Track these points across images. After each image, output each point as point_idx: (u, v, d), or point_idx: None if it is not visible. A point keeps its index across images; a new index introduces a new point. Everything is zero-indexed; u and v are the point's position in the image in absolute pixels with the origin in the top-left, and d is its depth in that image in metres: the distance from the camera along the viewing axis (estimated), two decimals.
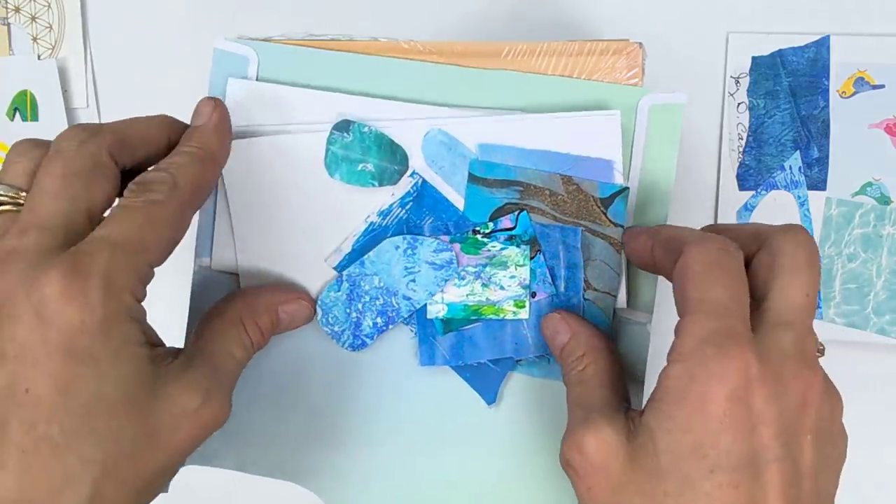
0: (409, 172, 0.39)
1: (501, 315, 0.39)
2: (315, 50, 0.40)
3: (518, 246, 0.38)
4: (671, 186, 0.39)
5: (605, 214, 0.38)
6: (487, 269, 0.39)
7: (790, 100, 0.51)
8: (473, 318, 0.39)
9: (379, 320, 0.39)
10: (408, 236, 0.39)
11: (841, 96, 0.51)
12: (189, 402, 0.31)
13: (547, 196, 0.39)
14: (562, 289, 0.39)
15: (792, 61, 0.51)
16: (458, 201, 0.39)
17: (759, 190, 0.52)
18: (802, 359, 0.31)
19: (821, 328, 0.51)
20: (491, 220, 0.39)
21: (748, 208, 0.52)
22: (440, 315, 0.39)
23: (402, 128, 0.39)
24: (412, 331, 0.40)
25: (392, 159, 0.39)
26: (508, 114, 0.39)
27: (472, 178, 0.39)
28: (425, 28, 0.52)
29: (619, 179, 0.38)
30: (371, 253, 0.39)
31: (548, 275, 0.39)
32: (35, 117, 0.53)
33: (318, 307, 0.39)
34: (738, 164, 0.52)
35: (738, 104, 0.52)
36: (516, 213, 0.39)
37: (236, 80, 0.40)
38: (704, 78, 0.52)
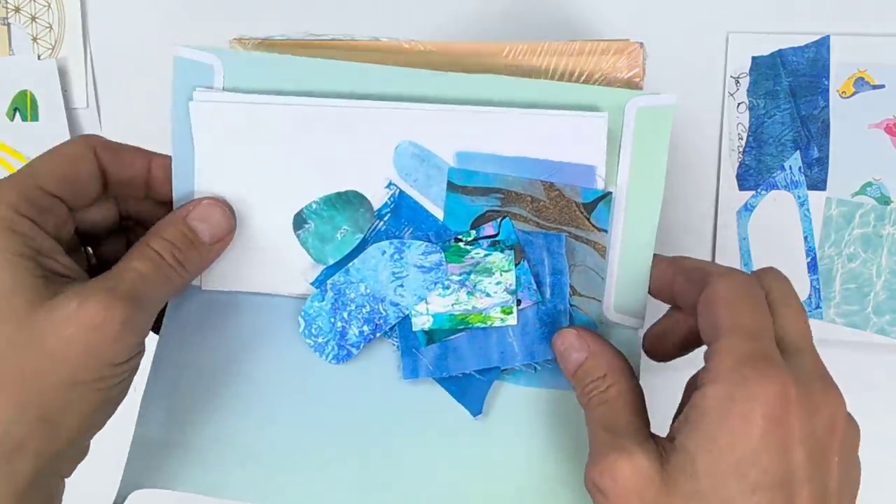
0: (385, 183, 0.38)
1: (489, 322, 0.38)
2: (282, 56, 0.38)
3: (502, 251, 0.38)
4: (661, 190, 0.38)
5: (588, 220, 0.38)
6: (472, 276, 0.38)
7: (790, 100, 0.51)
8: (460, 327, 0.38)
9: (366, 328, 0.38)
10: (394, 241, 0.38)
11: (841, 96, 0.51)
12: (66, 306, 0.31)
13: (528, 202, 0.38)
14: (548, 295, 0.38)
15: (792, 61, 0.51)
16: (437, 212, 0.38)
17: (759, 190, 0.52)
18: (828, 381, 0.32)
19: (821, 328, 0.51)
20: (472, 228, 0.38)
21: (748, 208, 0.52)
22: (426, 327, 0.38)
23: (372, 140, 0.38)
24: (394, 344, 0.39)
25: (356, 204, 0.38)
26: (489, 109, 0.38)
27: (451, 187, 0.38)
28: (426, 27, 0.52)
29: (601, 185, 0.38)
30: (356, 260, 0.38)
31: (533, 282, 0.38)
32: (35, 117, 0.53)
33: (301, 318, 0.38)
34: (738, 164, 0.52)
35: (738, 104, 0.52)
36: (499, 219, 0.38)
37: (202, 95, 0.38)
38: (704, 78, 0.52)
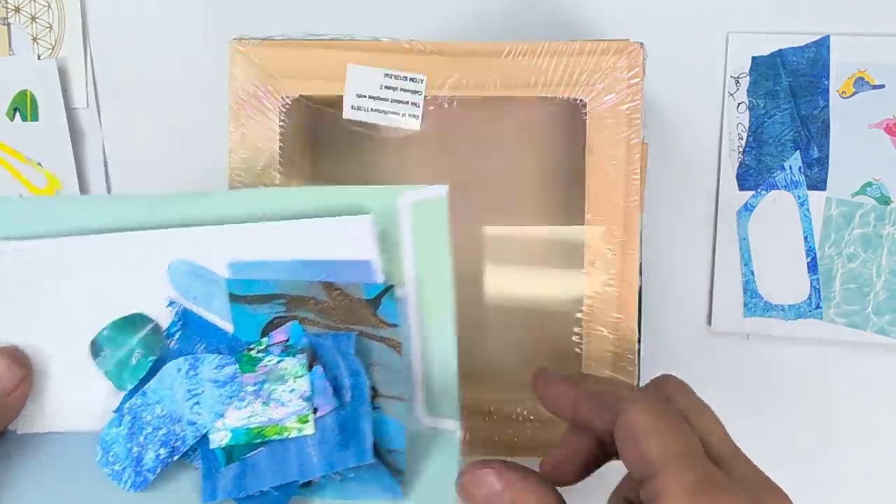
0: (166, 303, 0.37)
1: (286, 434, 0.36)
2: (47, 199, 0.39)
3: (294, 356, 0.36)
4: (450, 282, 0.36)
5: (375, 315, 0.37)
6: (266, 385, 0.36)
7: (790, 100, 0.51)
8: (257, 441, 0.36)
9: (162, 451, 0.36)
10: (189, 356, 0.37)
11: (841, 96, 0.51)
12: None
13: (313, 305, 0.37)
14: (347, 399, 0.36)
15: (792, 61, 0.51)
16: (226, 326, 0.37)
17: (759, 190, 0.52)
18: (770, 485, 0.31)
19: (821, 328, 0.51)
20: (263, 336, 0.37)
21: (748, 208, 0.52)
22: (223, 443, 0.36)
23: (147, 264, 0.37)
24: (197, 467, 0.37)
25: (144, 326, 0.38)
26: (254, 225, 0.36)
27: (234, 298, 0.37)
28: (426, 27, 0.52)
29: (380, 279, 0.36)
30: (153, 381, 0.37)
31: (328, 387, 0.36)
32: (35, 117, 0.53)
33: (98, 446, 0.37)
34: (738, 164, 0.52)
35: (738, 104, 0.52)
36: (288, 324, 0.37)
37: None
38: (704, 78, 0.52)
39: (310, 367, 0.36)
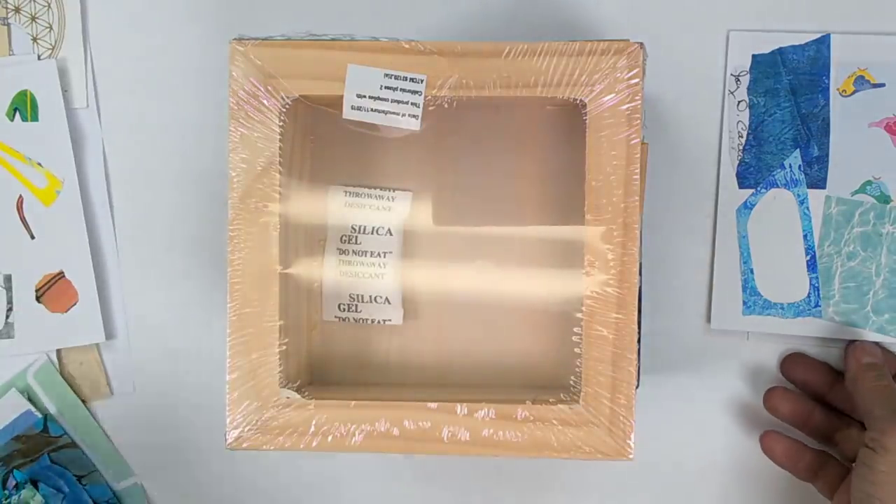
0: None
1: None
2: None
3: (23, 490, 0.53)
4: (76, 402, 0.53)
5: (48, 435, 0.55)
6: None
7: (790, 98, 0.51)
8: None
9: None
10: None
11: (841, 95, 0.51)
12: None
13: (17, 454, 0.54)
14: (66, 490, 0.54)
15: (792, 59, 0.51)
16: None
17: (758, 188, 0.52)
18: None
19: (820, 327, 0.51)
20: (3, 488, 0.52)
21: (748, 206, 0.52)
22: None
23: None
24: None
25: None
26: None
27: None
28: (426, 27, 0.52)
29: (39, 415, 0.55)
30: None
31: (54, 491, 0.54)
32: (35, 117, 0.53)
33: None
34: (738, 162, 0.52)
35: (739, 102, 0.52)
36: (11, 474, 0.53)
37: None
38: (705, 76, 0.52)
39: (36, 488, 0.53)
